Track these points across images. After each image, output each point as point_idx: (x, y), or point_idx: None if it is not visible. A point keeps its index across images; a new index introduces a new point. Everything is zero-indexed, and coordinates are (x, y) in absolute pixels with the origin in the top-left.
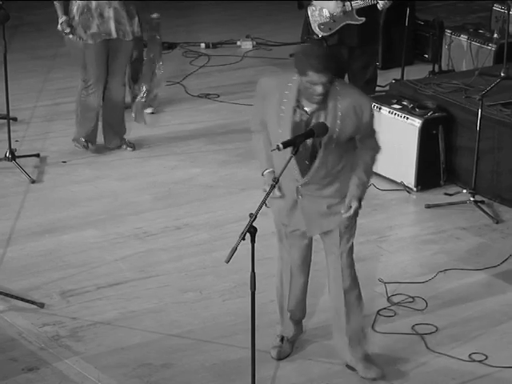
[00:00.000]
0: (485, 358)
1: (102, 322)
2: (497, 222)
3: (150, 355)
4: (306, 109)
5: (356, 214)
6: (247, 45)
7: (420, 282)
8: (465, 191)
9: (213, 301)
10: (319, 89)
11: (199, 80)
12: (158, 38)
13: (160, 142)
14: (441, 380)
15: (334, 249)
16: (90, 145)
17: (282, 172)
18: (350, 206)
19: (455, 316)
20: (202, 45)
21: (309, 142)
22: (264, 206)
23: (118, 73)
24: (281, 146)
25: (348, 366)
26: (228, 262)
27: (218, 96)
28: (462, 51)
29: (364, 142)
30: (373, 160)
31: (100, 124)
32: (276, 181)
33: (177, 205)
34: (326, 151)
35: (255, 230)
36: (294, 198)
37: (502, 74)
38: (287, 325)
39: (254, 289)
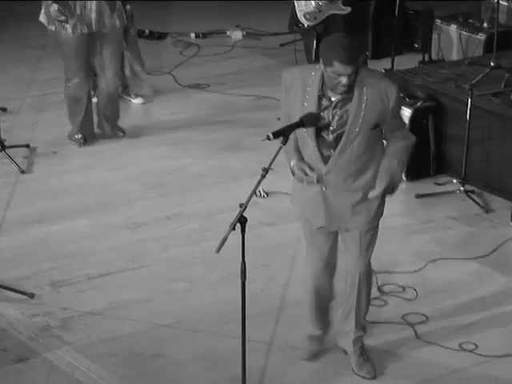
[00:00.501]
0: (475, 347)
1: (92, 312)
2: (487, 212)
3: (141, 345)
4: (331, 98)
5: (379, 215)
6: (237, 35)
7: (410, 272)
8: (455, 181)
9: (203, 291)
10: (344, 80)
11: (189, 70)
12: (132, 29)
13: (150, 132)
14: (431, 369)
15: (353, 249)
16: (85, 141)
17: (271, 162)
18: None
19: (445, 305)
20: (192, 35)
21: (334, 131)
22: (254, 195)
23: (110, 64)
24: (270, 135)
25: (344, 351)
26: (218, 251)
27: (209, 86)
28: (452, 41)
29: (394, 132)
30: (404, 148)
31: (94, 115)
32: (266, 170)
33: (167, 195)
34: (349, 138)
35: (245, 219)
36: (318, 190)
37: (492, 64)
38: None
39: (245, 278)
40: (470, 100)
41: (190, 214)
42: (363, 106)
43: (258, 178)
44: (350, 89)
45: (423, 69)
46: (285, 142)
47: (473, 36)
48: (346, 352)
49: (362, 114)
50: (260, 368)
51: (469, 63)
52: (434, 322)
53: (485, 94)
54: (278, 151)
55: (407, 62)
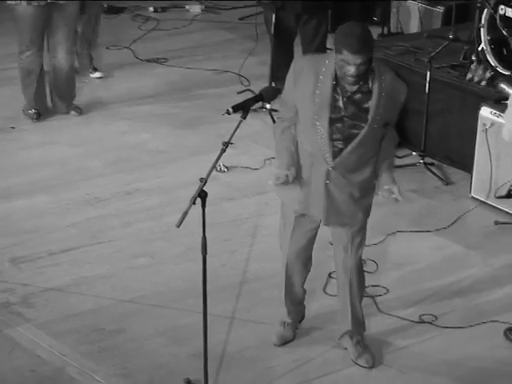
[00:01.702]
0: (434, 318)
1: (53, 289)
2: (446, 184)
3: (103, 321)
4: (346, 89)
5: (369, 213)
6: (196, 8)
7: (370, 245)
8: (414, 154)
9: (164, 265)
10: (352, 69)
11: (148, 44)
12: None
13: (109, 107)
14: (391, 341)
15: (347, 245)
16: (39, 116)
17: (231, 136)
18: (390, 191)
19: (406, 278)
20: (151, 9)
21: (348, 123)
22: (214, 170)
23: (63, 39)
24: (230, 109)
25: (345, 348)
26: (179, 226)
27: (167, 60)
28: (411, 14)
29: (389, 129)
30: (394, 151)
31: (47, 90)
32: (226, 145)
33: (127, 170)
34: (367, 134)
35: (206, 194)
36: (322, 183)
37: (451, 36)
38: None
39: (205, 253)
40: (429, 73)
41: (151, 189)
42: (382, 102)
43: (218, 152)
44: (358, 80)
45: (382, 42)
46: (245, 117)
47: (431, 9)
48: (346, 348)
49: (381, 111)
50: (222, 342)
51: (427, 36)
52: (394, 294)
53: (444, 67)
54: (238, 125)
55: None
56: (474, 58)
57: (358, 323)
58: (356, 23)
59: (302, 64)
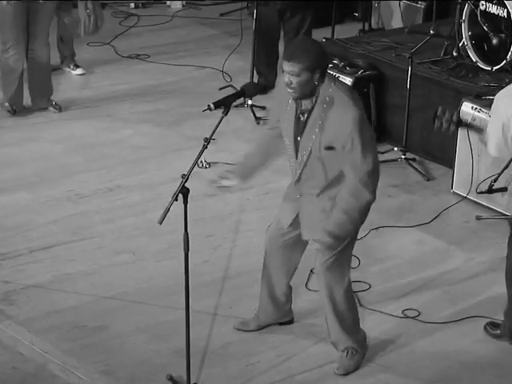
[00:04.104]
0: (418, 314)
1: (35, 286)
2: (428, 180)
3: (84, 318)
4: (302, 104)
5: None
6: (177, 4)
7: None
8: (396, 149)
9: (147, 262)
10: (286, 78)
11: (129, 40)
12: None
13: (90, 104)
14: (375, 337)
15: (318, 258)
16: (15, 109)
17: (213, 132)
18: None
19: (388, 273)
20: (132, 4)
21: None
22: (196, 166)
23: (40, 34)
24: (212, 105)
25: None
26: (161, 222)
27: (149, 56)
28: (392, 9)
29: (350, 169)
30: (352, 207)
31: (26, 86)
32: (208, 141)
33: (109, 166)
34: (302, 151)
35: (188, 190)
36: (296, 197)
37: (431, 32)
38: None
39: (188, 249)
40: (410, 68)
41: (132, 185)
42: (319, 123)
43: (200, 148)
44: (294, 91)
45: (363, 37)
46: (226, 113)
47: (412, 4)
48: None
49: (317, 130)
50: (204, 339)
51: (408, 31)
52: (376, 289)
53: (425, 62)
54: (220, 121)
55: (347, 30)
56: (454, 53)
57: (351, 340)
58: (312, 39)
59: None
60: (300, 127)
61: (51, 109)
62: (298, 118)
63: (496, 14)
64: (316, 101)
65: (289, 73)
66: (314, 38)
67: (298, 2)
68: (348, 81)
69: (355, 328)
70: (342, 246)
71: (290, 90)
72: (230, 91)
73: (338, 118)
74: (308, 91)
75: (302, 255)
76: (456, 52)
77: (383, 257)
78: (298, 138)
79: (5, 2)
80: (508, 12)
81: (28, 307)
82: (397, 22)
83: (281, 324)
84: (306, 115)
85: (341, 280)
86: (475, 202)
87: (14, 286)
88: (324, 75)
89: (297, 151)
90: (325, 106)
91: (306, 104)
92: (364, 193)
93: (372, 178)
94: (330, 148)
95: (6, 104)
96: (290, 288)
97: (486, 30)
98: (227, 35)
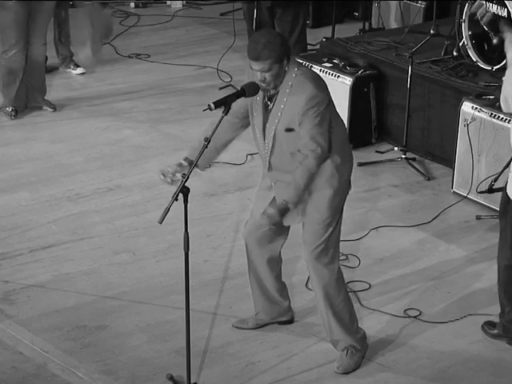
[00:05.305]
0: (419, 313)
1: (35, 285)
2: (428, 179)
3: (84, 317)
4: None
5: (323, 213)
6: (177, 4)
7: (353, 240)
8: (396, 149)
9: (146, 262)
10: (258, 76)
11: (129, 40)
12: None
13: (91, 103)
14: (375, 336)
15: (305, 248)
16: (16, 114)
17: (213, 132)
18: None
19: (388, 273)
20: (132, 4)
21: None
22: (195, 167)
23: (38, 33)
24: (212, 105)
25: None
26: (161, 222)
27: (149, 56)
28: (392, 9)
29: (302, 145)
30: (300, 175)
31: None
32: (208, 140)
33: (109, 166)
34: (268, 137)
35: (188, 190)
36: (270, 184)
37: (432, 32)
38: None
39: (188, 249)
40: (410, 68)
41: (132, 185)
42: (281, 107)
43: (200, 148)
44: (267, 85)
45: (364, 37)
46: (226, 112)
47: (413, 4)
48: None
49: (279, 114)
50: (204, 338)
51: (409, 31)
52: (377, 289)
53: (425, 62)
54: (220, 121)
55: (348, 30)
56: (455, 53)
57: (336, 329)
58: (267, 30)
59: None
60: (267, 115)
61: (46, 108)
62: (265, 106)
63: (496, 13)
64: (280, 86)
65: (259, 70)
66: (313, 37)
67: (284, 7)
68: (348, 80)
69: (351, 322)
70: (328, 233)
71: (264, 85)
72: (230, 91)
73: (296, 99)
74: (282, 79)
75: (282, 245)
76: (456, 52)
77: (383, 256)
78: (267, 126)
79: (10, 2)
80: (508, 12)
81: (28, 307)
82: (397, 22)
83: (281, 323)
84: (272, 102)
85: (332, 267)
86: (475, 202)
87: (13, 286)
88: (289, 60)
89: (265, 139)
90: (287, 90)
91: (272, 91)
92: (307, 160)
93: (315, 154)
94: (289, 130)
95: (7, 108)
96: (282, 284)
97: (486, 29)
98: (227, 35)
